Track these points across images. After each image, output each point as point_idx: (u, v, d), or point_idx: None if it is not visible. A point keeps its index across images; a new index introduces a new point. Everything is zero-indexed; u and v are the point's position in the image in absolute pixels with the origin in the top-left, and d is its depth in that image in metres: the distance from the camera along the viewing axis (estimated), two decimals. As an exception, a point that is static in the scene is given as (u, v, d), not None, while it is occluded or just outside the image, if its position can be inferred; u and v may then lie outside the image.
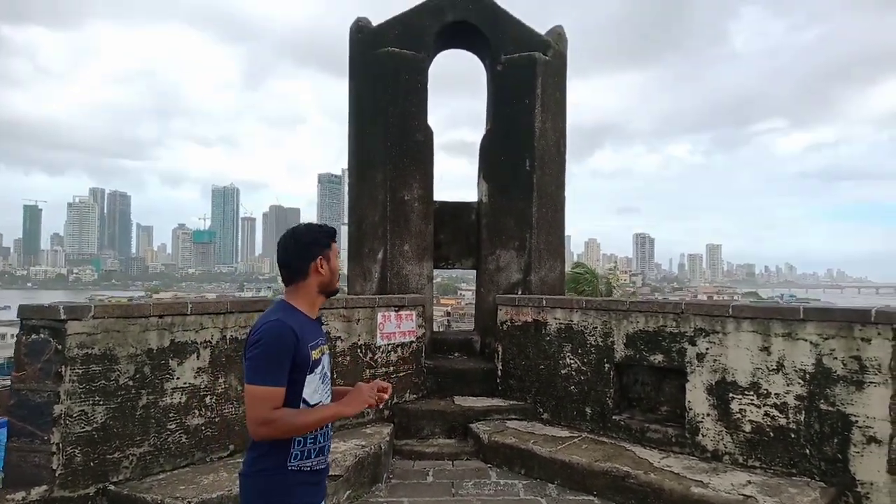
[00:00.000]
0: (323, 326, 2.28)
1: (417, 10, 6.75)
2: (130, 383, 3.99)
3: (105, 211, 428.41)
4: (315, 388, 2.06)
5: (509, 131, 6.72)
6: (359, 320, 5.52)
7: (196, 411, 4.32)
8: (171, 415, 4.18)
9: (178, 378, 4.23)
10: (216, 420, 4.43)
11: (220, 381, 4.48)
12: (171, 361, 4.20)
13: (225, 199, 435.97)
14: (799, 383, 4.45)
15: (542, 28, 7.09)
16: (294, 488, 2.04)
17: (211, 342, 4.43)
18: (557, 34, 7.01)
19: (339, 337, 5.33)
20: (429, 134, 6.72)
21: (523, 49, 6.70)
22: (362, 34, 6.73)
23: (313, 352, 2.05)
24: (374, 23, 6.79)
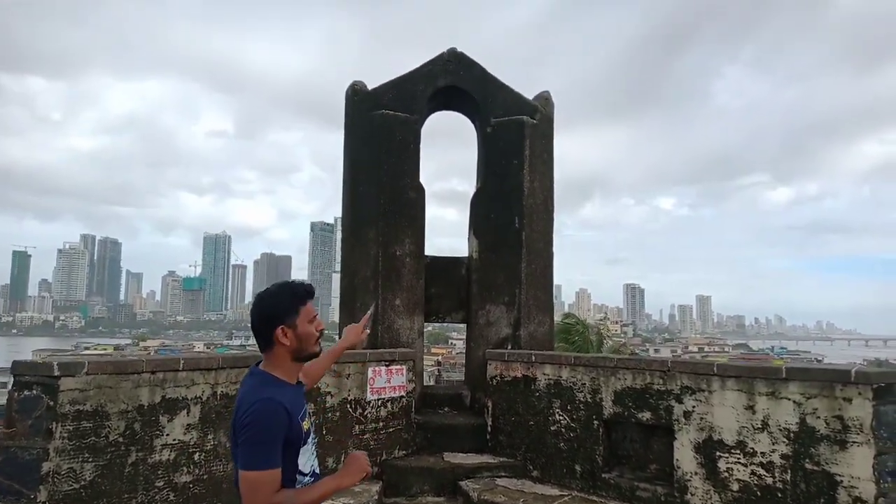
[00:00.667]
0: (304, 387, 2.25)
1: (411, 75, 7.05)
2: (120, 440, 4.00)
3: (95, 257, 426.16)
4: (308, 458, 2.05)
5: (499, 190, 6.93)
6: (349, 375, 5.56)
7: (184, 468, 4.31)
8: (159, 472, 4.17)
9: (167, 434, 4.24)
10: (204, 477, 4.41)
11: (210, 437, 4.48)
12: (161, 418, 4.21)
13: (216, 246, 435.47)
14: (784, 442, 4.51)
15: (530, 91, 7.41)
16: None
17: (202, 398, 4.46)
18: (544, 98, 7.32)
19: (329, 392, 5.35)
20: (420, 191, 6.91)
21: (512, 113, 6.99)
22: (358, 97, 7.01)
23: (303, 423, 2.03)
24: (370, 86, 7.07)
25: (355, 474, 2.05)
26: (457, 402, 6.87)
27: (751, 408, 4.68)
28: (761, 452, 4.59)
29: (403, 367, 6.10)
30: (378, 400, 5.79)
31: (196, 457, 4.38)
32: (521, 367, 6.15)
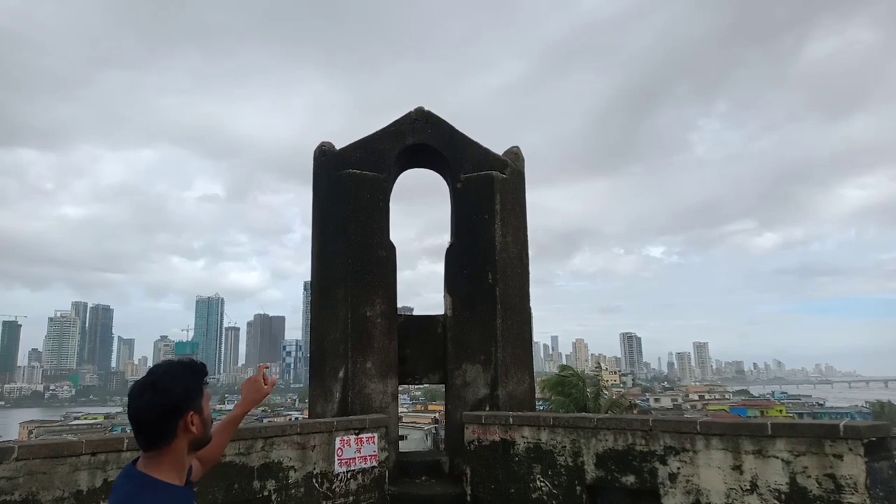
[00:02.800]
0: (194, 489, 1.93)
1: (379, 134, 7.02)
2: (53, 532, 3.67)
3: (87, 325, 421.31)
4: None
5: (471, 245, 6.79)
6: (314, 447, 5.24)
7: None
8: (98, 566, 3.82)
9: (108, 523, 3.90)
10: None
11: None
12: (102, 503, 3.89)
13: (209, 309, 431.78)
14: (775, 504, 4.21)
15: (503, 148, 7.37)
16: None
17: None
18: (514, 153, 7.29)
19: (293, 467, 5.03)
20: (391, 250, 6.76)
21: (481, 168, 6.93)
22: (325, 157, 6.94)
23: None
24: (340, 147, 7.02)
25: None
26: (435, 470, 6.51)
27: (738, 468, 4.40)
28: (752, 517, 4.29)
29: (375, 434, 5.79)
30: (347, 472, 5.46)
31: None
32: (499, 430, 5.85)
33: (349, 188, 6.63)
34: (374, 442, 5.76)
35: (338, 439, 5.43)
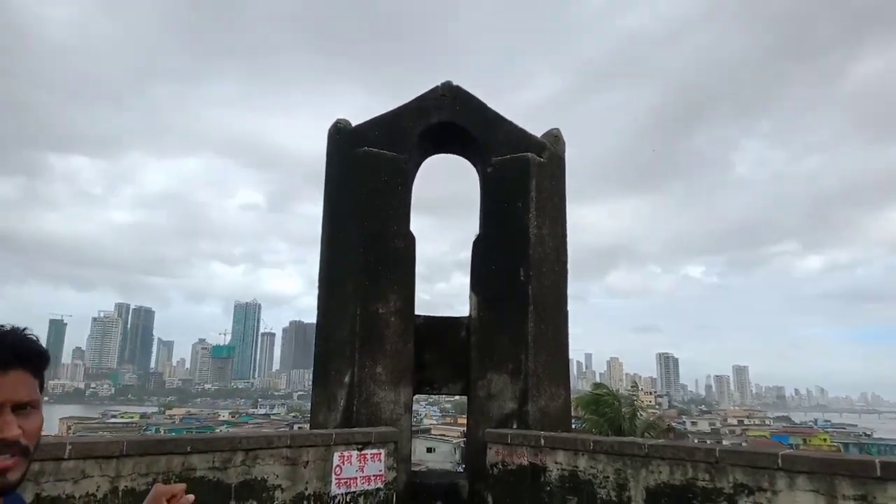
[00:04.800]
0: None
1: (401, 110, 6.26)
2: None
3: (129, 325, 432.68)
4: None
5: (501, 238, 5.94)
6: (307, 463, 4.44)
7: None
8: None
9: (39, 548, 3.17)
10: None
11: (103, 550, 3.39)
12: (32, 525, 3.16)
13: (247, 314, 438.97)
14: (885, 569, 3.22)
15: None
16: None
17: (96, 496, 3.40)
18: (554, 136, 6.43)
19: (279, 486, 4.23)
20: (410, 240, 5.96)
21: (516, 150, 6.09)
22: (340, 135, 6.21)
23: None
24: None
25: None
26: (452, 495, 5.62)
27: (833, 517, 3.42)
28: (853, 582, 3.30)
29: (381, 451, 4.95)
30: (347, 494, 4.63)
31: (80, 578, 3.28)
32: (527, 453, 4.95)
33: (364, 168, 5.87)
34: (380, 459, 4.92)
35: (336, 455, 4.61)
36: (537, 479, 4.84)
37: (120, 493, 3.51)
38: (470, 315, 6.11)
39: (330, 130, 6.34)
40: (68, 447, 3.37)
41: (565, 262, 6.21)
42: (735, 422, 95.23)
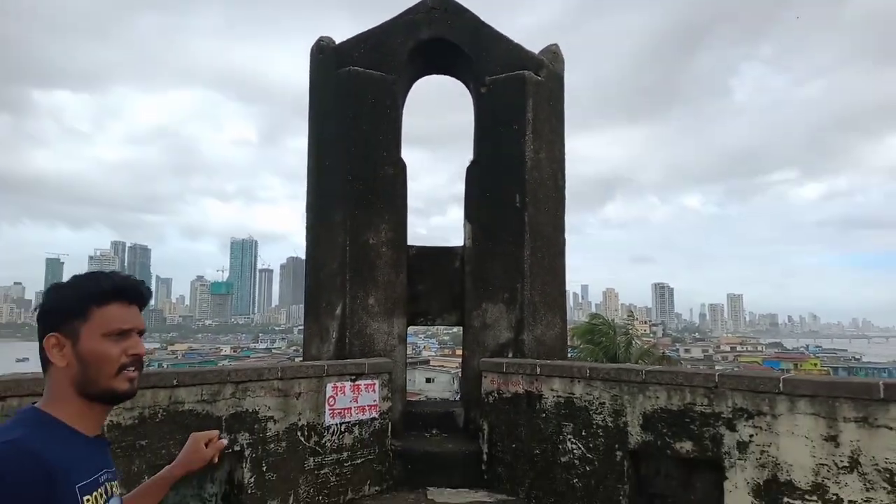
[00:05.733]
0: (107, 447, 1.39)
1: (388, 26, 5.85)
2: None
3: (126, 263, 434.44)
4: None
5: (496, 162, 5.69)
6: (300, 394, 4.36)
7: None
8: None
9: None
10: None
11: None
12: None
13: (243, 251, 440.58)
14: (885, 488, 3.19)
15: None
16: None
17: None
18: (552, 52, 6.06)
19: (271, 417, 4.16)
20: (400, 167, 5.71)
21: (511, 68, 5.73)
22: (323, 54, 5.83)
23: (86, 497, 1.20)
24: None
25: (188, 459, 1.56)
26: (448, 423, 5.63)
27: (833, 439, 3.37)
28: (850, 501, 3.29)
29: (375, 381, 4.89)
30: (341, 424, 4.59)
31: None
32: (522, 381, 4.90)
33: (349, 89, 5.53)
34: (374, 390, 4.87)
35: (329, 386, 4.54)
36: (533, 406, 4.80)
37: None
38: (464, 244, 5.94)
39: (312, 50, 5.95)
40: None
41: (563, 188, 5.99)
42: (728, 349, 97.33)
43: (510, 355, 5.43)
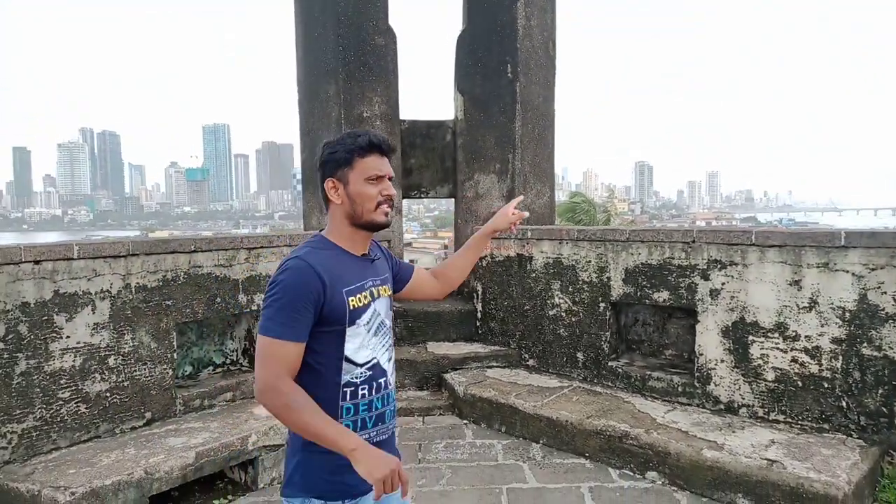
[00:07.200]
0: (375, 262, 1.77)
1: None
2: (2, 346, 3.16)
3: (96, 151, 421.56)
4: (362, 343, 1.65)
5: (487, 30, 5.65)
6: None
7: (97, 375, 3.52)
8: (62, 381, 3.38)
9: (68, 337, 3.41)
10: (125, 384, 3.64)
11: (127, 338, 3.65)
12: (56, 317, 3.36)
13: (216, 136, 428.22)
14: (836, 324, 3.64)
15: None
16: (344, 472, 1.52)
17: (110, 292, 3.58)
18: None
19: (283, 280, 4.47)
20: (391, 37, 5.65)
21: (503, -73, 5.52)
22: (306, -88, 5.54)
23: (351, 298, 1.62)
24: None
25: (374, 470, 1.44)
26: (443, 286, 6.02)
27: (796, 283, 3.77)
28: (806, 336, 3.75)
29: (376, 247, 5.18)
30: (346, 286, 4.93)
31: (111, 361, 3.58)
32: (514, 245, 5.23)
33: (336, -46, 5.34)
34: (375, 255, 5.17)
35: (334, 252, 4.82)
36: (524, 267, 5.17)
37: (133, 289, 3.69)
38: (456, 116, 6.03)
39: None
40: (76, 248, 3.46)
41: (554, 58, 6.00)
42: (703, 223, 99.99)
43: (502, 222, 5.71)
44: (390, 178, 1.71)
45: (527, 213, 2.10)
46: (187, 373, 4.27)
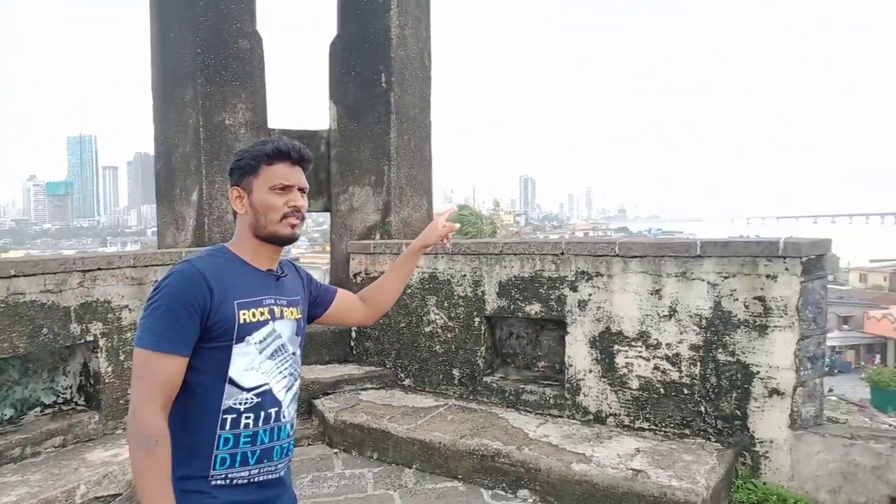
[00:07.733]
0: (282, 280, 1.62)
1: None
2: None
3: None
4: (250, 365, 1.47)
5: (360, 37, 5.47)
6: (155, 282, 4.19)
7: None
8: None
9: None
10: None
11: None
12: None
13: (82, 147, 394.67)
14: (694, 331, 3.79)
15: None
16: None
17: None
18: (415, -79, 5.74)
19: (126, 306, 3.98)
20: (256, 41, 5.31)
21: (373, -65, 5.39)
22: None
23: (243, 311, 1.47)
24: None
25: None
26: (317, 305, 5.72)
27: (657, 292, 3.89)
28: (667, 344, 3.87)
29: (239, 266, 4.79)
30: (205, 309, 4.51)
31: None
32: (389, 261, 5.06)
33: (192, -51, 4.94)
34: (238, 274, 4.78)
35: (190, 272, 4.39)
36: (399, 283, 5.00)
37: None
38: (330, 126, 5.79)
39: None
40: None
41: (429, 68, 5.93)
42: (581, 234, 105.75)
43: (377, 237, 5.53)
44: (302, 190, 1.60)
45: (458, 226, 2.00)
46: (7, 417, 3.68)
